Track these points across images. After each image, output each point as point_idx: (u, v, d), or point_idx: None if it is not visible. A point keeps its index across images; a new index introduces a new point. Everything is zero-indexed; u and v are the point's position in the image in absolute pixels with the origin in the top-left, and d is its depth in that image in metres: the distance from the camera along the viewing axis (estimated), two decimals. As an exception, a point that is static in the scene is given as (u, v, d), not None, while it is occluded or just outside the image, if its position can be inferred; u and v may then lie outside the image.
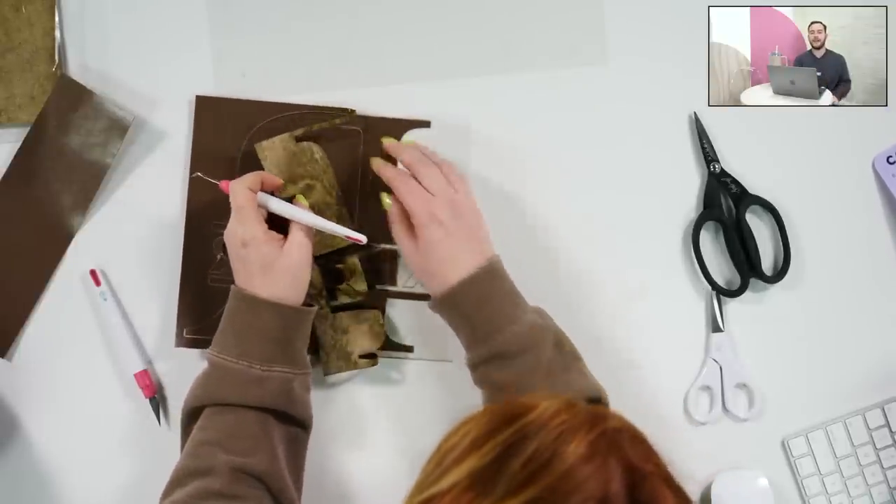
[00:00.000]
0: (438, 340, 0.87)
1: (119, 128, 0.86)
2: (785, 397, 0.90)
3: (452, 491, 0.53)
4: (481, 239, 0.79)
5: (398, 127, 0.87)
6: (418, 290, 0.88)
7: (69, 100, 0.85)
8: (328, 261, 0.86)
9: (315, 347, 0.85)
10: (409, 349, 0.88)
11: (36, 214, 0.86)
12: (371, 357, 0.86)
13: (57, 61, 0.86)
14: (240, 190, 0.78)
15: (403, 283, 0.87)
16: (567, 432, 0.53)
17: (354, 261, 0.86)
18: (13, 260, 0.87)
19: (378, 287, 0.87)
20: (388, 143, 0.84)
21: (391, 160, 0.83)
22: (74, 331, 0.87)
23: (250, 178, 0.80)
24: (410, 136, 0.88)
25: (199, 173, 0.85)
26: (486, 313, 0.76)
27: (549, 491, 0.51)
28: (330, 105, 0.87)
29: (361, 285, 0.86)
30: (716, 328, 0.89)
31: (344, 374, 0.87)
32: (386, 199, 0.81)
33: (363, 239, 0.81)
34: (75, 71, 0.87)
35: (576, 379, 0.77)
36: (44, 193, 0.86)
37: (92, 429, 0.88)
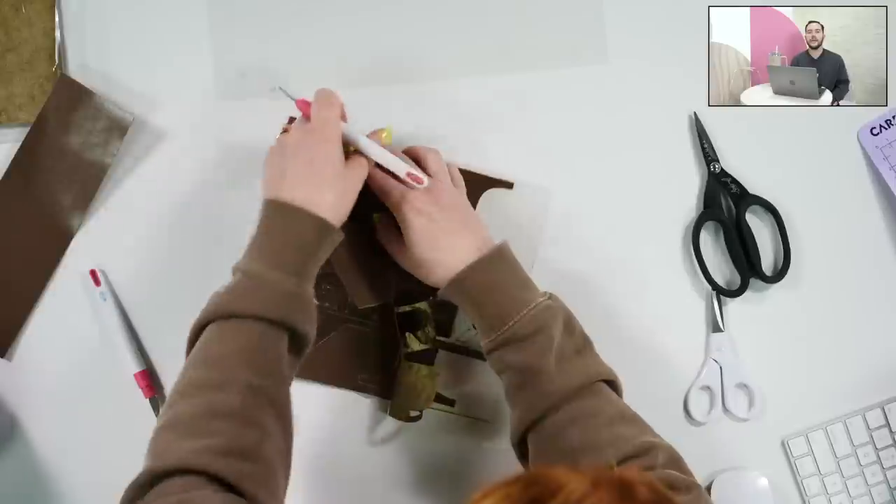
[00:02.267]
0: (478, 398, 0.87)
1: (119, 128, 0.86)
2: (785, 397, 0.90)
3: None
4: (476, 225, 0.79)
5: (479, 183, 0.86)
6: (471, 345, 0.87)
7: (69, 100, 0.85)
8: (400, 304, 0.85)
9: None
10: (451, 402, 0.87)
11: (36, 214, 0.86)
12: (418, 415, 0.86)
13: (57, 61, 0.86)
14: (333, 106, 0.76)
15: (456, 336, 0.87)
16: None
17: (425, 306, 0.85)
18: (13, 260, 0.86)
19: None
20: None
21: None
22: (74, 331, 0.87)
23: (339, 100, 0.77)
24: (489, 194, 0.87)
25: (280, 87, 0.79)
26: (496, 298, 0.76)
27: None
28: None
29: (433, 332, 0.86)
30: (716, 328, 0.89)
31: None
32: (376, 216, 0.82)
33: (424, 180, 0.78)
34: (75, 71, 0.87)
35: (592, 362, 0.77)
36: (44, 193, 0.86)
37: (92, 429, 0.88)
